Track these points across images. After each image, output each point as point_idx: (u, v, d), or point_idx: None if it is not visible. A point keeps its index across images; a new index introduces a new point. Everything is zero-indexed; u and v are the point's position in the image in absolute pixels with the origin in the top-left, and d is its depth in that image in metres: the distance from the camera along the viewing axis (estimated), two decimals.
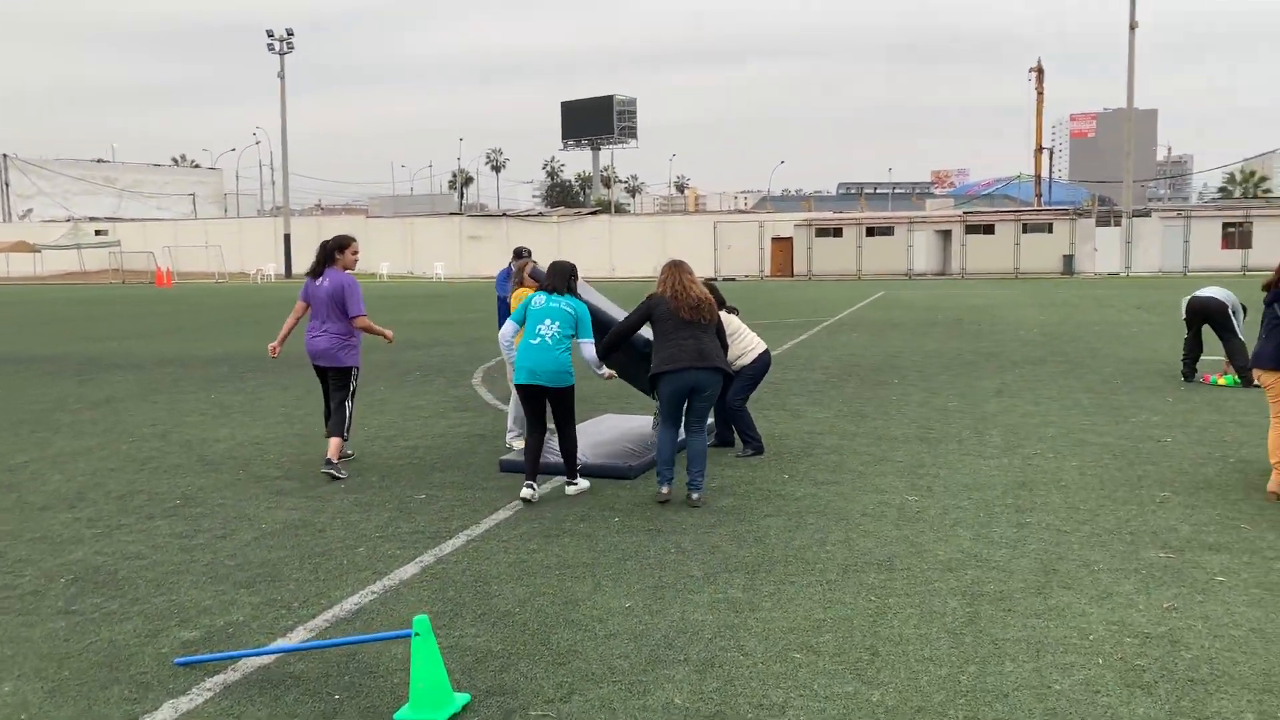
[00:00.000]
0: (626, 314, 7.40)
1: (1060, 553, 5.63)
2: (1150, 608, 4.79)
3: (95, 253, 68.13)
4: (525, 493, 6.84)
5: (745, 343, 8.32)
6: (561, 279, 7.06)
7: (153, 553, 5.92)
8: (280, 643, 4.52)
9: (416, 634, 3.81)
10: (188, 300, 35.90)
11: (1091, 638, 4.44)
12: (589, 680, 4.10)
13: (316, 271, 7.94)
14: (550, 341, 6.87)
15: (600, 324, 7.47)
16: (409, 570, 5.51)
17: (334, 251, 7.89)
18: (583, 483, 7.17)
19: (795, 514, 6.49)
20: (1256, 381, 6.98)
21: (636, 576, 5.34)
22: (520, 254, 9.66)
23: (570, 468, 7.13)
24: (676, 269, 7.06)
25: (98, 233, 71.16)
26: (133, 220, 75.48)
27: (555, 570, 5.46)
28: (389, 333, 8.49)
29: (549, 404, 7.04)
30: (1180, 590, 5.01)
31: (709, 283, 7.76)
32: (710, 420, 9.18)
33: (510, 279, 9.25)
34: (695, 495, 6.79)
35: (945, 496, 6.89)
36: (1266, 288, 6.82)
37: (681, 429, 7.01)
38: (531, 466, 6.95)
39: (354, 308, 7.92)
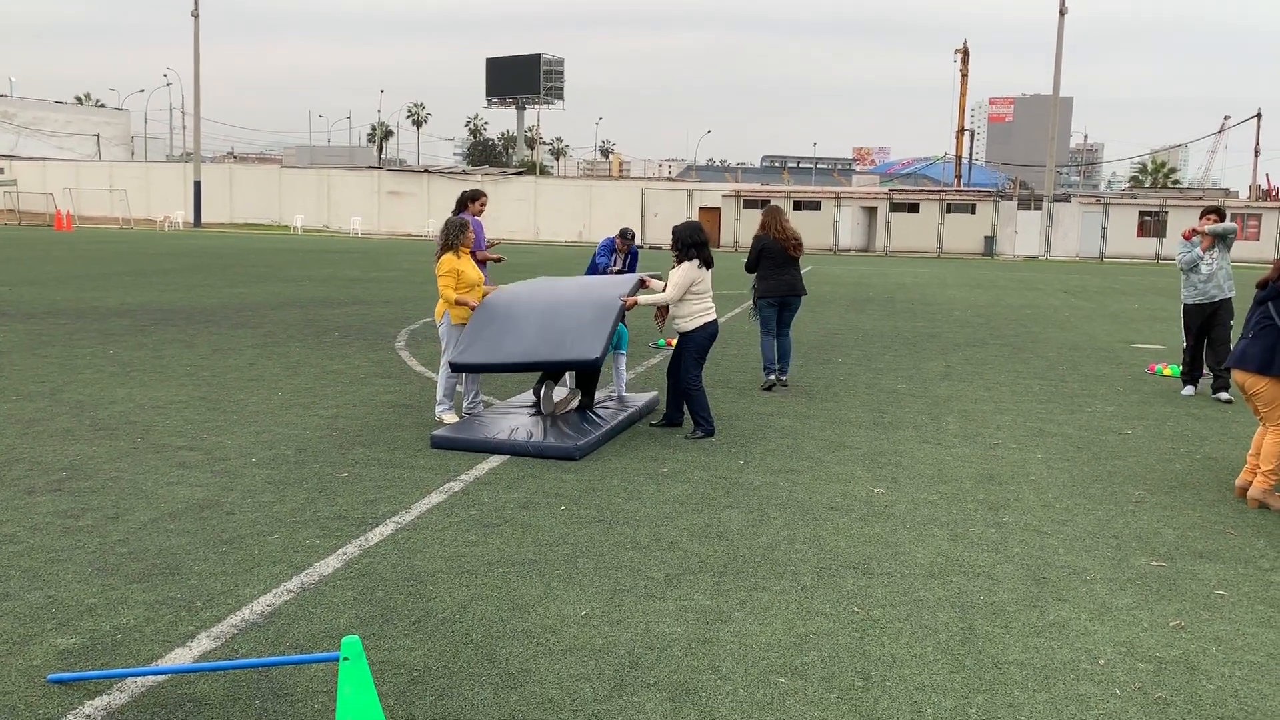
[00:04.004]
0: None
1: (1046, 558, 5.21)
2: (1156, 626, 4.38)
3: None
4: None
5: (699, 305, 7.72)
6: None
7: (29, 535, 5.15)
8: (177, 658, 3.83)
9: (345, 658, 3.18)
10: (89, 246, 34.01)
11: (1102, 662, 4.01)
12: (547, 709, 3.52)
13: (455, 214, 9.61)
14: None
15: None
16: (330, 564, 4.85)
17: (468, 201, 9.83)
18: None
19: (756, 506, 5.98)
20: (1234, 382, 6.52)
21: (590, 577, 4.76)
22: (626, 235, 11.52)
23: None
24: (779, 213, 9.96)
25: None
26: (31, 159, 71.62)
27: (498, 568, 4.85)
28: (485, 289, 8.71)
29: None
30: (1183, 605, 4.62)
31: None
32: (653, 396, 8.76)
33: (614, 253, 11.53)
34: (784, 378, 9.92)
35: (912, 489, 6.44)
36: (1261, 285, 6.41)
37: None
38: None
39: (475, 244, 9.35)
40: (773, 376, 9.80)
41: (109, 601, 4.33)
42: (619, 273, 11.68)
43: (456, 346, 7.65)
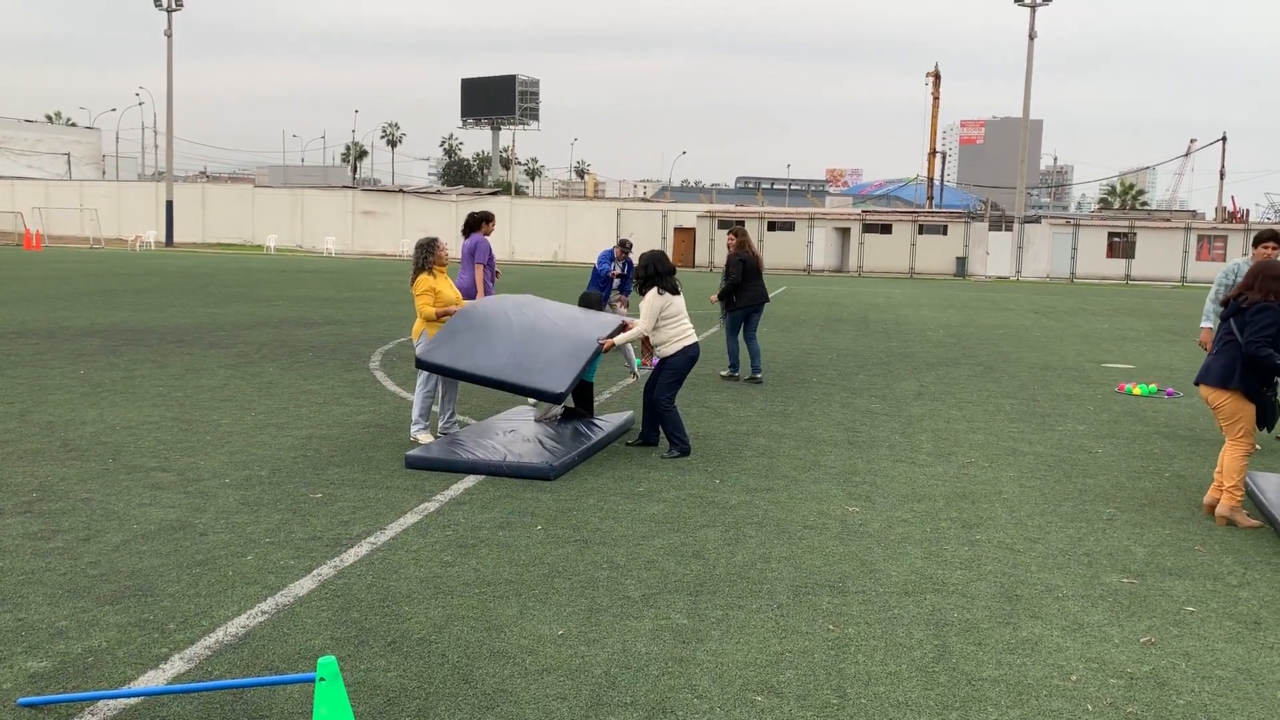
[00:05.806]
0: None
1: (1019, 576, 5.26)
2: (1126, 642, 4.43)
3: None
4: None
5: (675, 330, 7.76)
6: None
7: None
8: (150, 680, 3.81)
9: (321, 679, 3.17)
10: (59, 265, 33.70)
11: (1074, 678, 4.05)
12: None
13: (466, 234, 10.56)
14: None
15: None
16: (305, 585, 4.83)
17: (480, 222, 10.50)
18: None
19: (732, 524, 6.00)
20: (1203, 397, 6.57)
21: (567, 597, 4.76)
22: (625, 245, 12.87)
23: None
24: (748, 234, 12.05)
25: None
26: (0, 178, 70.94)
27: (474, 588, 4.85)
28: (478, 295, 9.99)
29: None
30: (1153, 622, 4.67)
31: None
32: (630, 414, 8.79)
33: (614, 260, 12.73)
34: (759, 375, 11.66)
35: (886, 508, 6.49)
36: (1224, 303, 6.52)
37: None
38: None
39: (480, 258, 10.46)
40: (736, 373, 11.88)
41: (80, 624, 4.29)
42: (619, 276, 12.76)
43: (427, 344, 7.63)
